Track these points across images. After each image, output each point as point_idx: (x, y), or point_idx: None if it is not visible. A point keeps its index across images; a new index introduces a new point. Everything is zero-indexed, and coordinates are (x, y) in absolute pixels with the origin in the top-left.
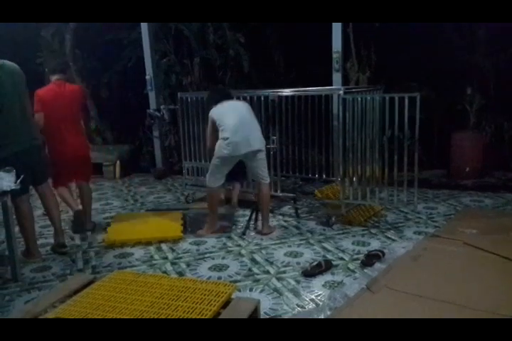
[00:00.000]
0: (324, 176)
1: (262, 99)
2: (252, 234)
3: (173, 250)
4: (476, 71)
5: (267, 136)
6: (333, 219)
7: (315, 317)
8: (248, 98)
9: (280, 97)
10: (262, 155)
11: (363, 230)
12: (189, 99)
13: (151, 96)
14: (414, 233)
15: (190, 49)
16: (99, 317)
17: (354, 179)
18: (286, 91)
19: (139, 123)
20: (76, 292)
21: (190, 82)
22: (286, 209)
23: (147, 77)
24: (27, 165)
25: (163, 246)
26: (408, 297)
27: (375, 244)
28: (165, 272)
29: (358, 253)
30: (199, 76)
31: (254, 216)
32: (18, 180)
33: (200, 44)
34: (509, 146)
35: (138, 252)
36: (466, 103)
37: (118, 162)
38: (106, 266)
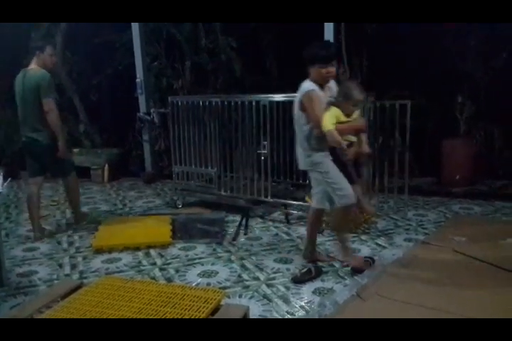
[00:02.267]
0: None
1: (254, 103)
2: (242, 239)
3: (161, 255)
4: (468, 79)
5: (257, 141)
6: (324, 225)
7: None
8: (239, 103)
9: (271, 102)
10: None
11: (354, 237)
12: (180, 103)
13: (142, 99)
14: (405, 240)
15: (181, 53)
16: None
17: None
18: (278, 96)
19: (129, 126)
20: (63, 297)
21: (181, 86)
22: (277, 215)
23: (137, 80)
24: (34, 155)
25: (152, 252)
26: (398, 304)
27: (365, 251)
28: (153, 278)
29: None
30: (190, 80)
31: (244, 222)
32: (5, 184)
33: (192, 48)
34: (499, 154)
35: (126, 257)
36: (456, 111)
37: (106, 166)
38: (93, 271)
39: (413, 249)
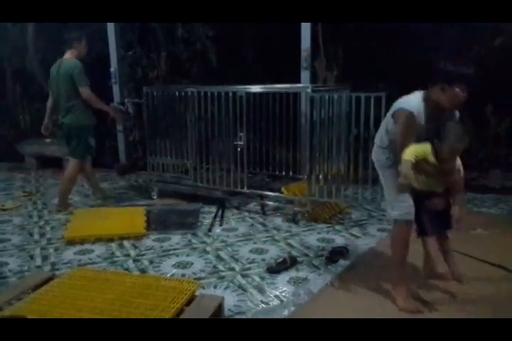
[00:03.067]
0: (291, 173)
1: (230, 94)
2: (218, 230)
3: (135, 247)
4: (441, 71)
5: (234, 133)
6: (299, 216)
7: (279, 313)
8: (215, 93)
9: (248, 93)
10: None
11: (328, 227)
12: (155, 93)
13: (115, 89)
14: (378, 230)
15: (156, 42)
16: (57, 314)
17: (320, 177)
18: (255, 88)
19: (102, 117)
20: (34, 289)
21: (157, 76)
22: (253, 206)
23: (111, 69)
24: (63, 137)
25: (126, 243)
26: (370, 294)
27: (339, 241)
28: (127, 269)
29: (323, 249)
30: (166, 70)
31: (220, 213)
32: None
33: (168, 38)
34: (469, 146)
35: (99, 249)
36: None
37: None
38: (66, 262)
39: (386, 240)
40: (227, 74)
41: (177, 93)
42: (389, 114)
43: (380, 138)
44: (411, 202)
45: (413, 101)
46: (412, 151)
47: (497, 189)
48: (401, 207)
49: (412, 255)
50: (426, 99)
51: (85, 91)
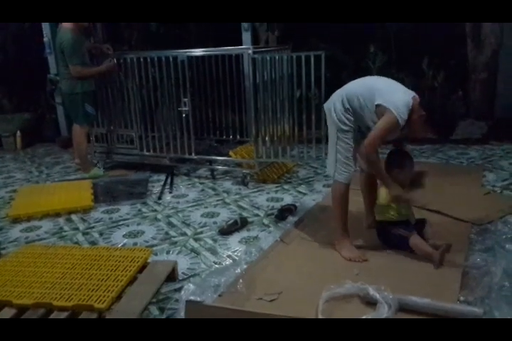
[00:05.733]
0: (238, 137)
1: (171, 59)
2: (168, 198)
3: (84, 220)
4: (380, 29)
5: (178, 99)
6: (248, 178)
7: (232, 271)
8: (156, 58)
9: (190, 57)
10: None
11: (277, 187)
12: (95, 62)
13: (51, 60)
14: (324, 186)
15: None
16: (6, 293)
17: (267, 138)
18: (196, 51)
19: (40, 89)
20: None
21: (94, 43)
22: (202, 171)
23: (45, 39)
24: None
25: (74, 217)
26: (318, 245)
27: (287, 199)
28: (77, 243)
29: (272, 208)
30: (103, 37)
31: (169, 180)
32: None
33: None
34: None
35: (46, 225)
36: (369, 60)
37: (18, 132)
38: (12, 241)
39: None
40: (169, 40)
41: (115, 60)
42: (378, 96)
43: (351, 99)
44: (353, 168)
45: (404, 106)
46: (384, 197)
47: (434, 139)
48: (343, 172)
49: (353, 206)
50: (412, 106)
51: (74, 70)
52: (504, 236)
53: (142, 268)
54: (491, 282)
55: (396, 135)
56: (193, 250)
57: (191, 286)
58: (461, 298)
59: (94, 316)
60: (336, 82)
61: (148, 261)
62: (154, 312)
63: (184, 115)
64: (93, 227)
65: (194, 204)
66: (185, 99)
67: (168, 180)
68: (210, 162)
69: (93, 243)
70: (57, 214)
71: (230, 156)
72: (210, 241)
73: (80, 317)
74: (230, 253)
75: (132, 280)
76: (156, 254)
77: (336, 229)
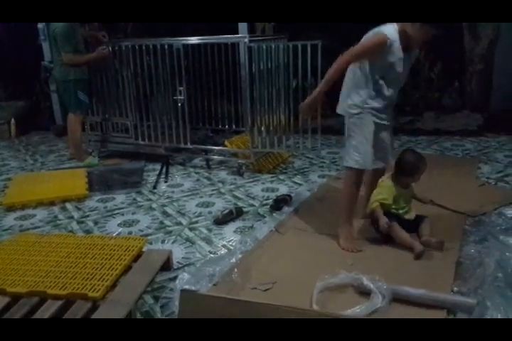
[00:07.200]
0: (234, 127)
1: (166, 47)
2: (163, 187)
3: (78, 209)
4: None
5: (173, 87)
6: (243, 168)
7: (226, 260)
8: (151, 47)
9: (186, 45)
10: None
11: (272, 177)
12: (90, 50)
13: (45, 47)
14: (319, 177)
15: None
16: (0, 281)
17: (262, 128)
18: (192, 39)
19: (35, 77)
20: None
21: (89, 31)
22: (198, 161)
23: (39, 25)
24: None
25: (68, 206)
26: (313, 235)
27: (283, 189)
28: (71, 231)
29: (268, 198)
30: (98, 25)
31: (164, 169)
32: None
33: None
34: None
35: (41, 213)
36: None
37: (13, 120)
38: (6, 229)
39: (326, 184)
40: (165, 28)
41: (110, 48)
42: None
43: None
44: (370, 155)
45: (390, 29)
46: (378, 199)
47: (430, 131)
48: (357, 157)
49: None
50: (399, 32)
51: (65, 57)
52: (498, 228)
53: (137, 257)
54: (484, 273)
55: (387, 64)
56: (188, 239)
57: (186, 275)
58: (455, 289)
59: (88, 305)
60: None
61: (143, 250)
62: (149, 301)
63: (180, 104)
64: (88, 216)
65: (189, 193)
66: (181, 88)
67: (164, 170)
68: (206, 152)
69: (88, 232)
70: (52, 203)
71: (225, 146)
72: (205, 231)
73: (74, 305)
74: (224, 242)
75: (127, 269)
76: (150, 243)
77: (341, 216)
